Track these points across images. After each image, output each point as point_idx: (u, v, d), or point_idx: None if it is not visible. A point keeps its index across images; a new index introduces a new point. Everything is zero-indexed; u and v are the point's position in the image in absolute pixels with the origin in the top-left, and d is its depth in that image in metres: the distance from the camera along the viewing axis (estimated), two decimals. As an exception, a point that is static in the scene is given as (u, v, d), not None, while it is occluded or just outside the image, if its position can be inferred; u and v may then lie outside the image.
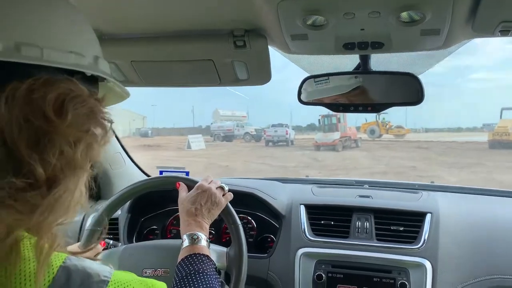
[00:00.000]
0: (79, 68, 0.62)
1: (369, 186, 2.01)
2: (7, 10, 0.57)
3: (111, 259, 1.40)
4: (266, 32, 1.15)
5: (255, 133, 30.19)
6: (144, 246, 1.44)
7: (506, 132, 20.97)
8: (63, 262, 0.56)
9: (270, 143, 26.87)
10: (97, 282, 0.57)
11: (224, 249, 1.37)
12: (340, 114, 22.06)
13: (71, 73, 0.61)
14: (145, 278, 0.65)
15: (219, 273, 1.34)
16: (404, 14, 0.95)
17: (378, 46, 1.14)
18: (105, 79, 0.68)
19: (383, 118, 29.87)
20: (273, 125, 29.02)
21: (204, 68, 1.31)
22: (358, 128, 29.85)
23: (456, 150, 21.57)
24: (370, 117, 31.36)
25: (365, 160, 17.83)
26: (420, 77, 1.26)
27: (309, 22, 1.00)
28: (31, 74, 0.57)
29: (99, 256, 1.37)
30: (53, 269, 0.55)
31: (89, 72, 0.64)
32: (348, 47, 1.16)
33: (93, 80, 0.67)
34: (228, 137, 30.16)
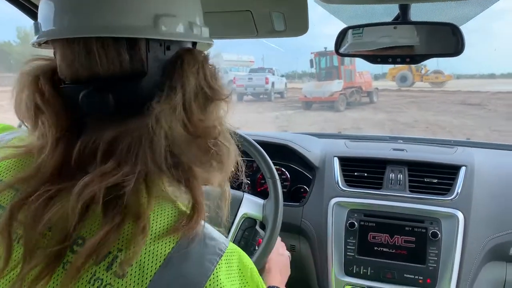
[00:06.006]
0: (204, 40, 0.69)
1: (403, 141, 2.01)
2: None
3: None
4: (305, -19, 1.15)
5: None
6: None
7: None
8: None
9: (247, 96, 19.04)
10: (211, 255, 0.56)
11: (261, 201, 1.41)
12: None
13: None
14: (257, 274, 0.61)
15: (255, 223, 1.40)
16: (447, -41, 0.93)
17: (419, -6, 1.12)
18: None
19: (418, 62, 23.88)
20: (251, 70, 21.40)
21: (242, 19, 1.32)
22: (380, 76, 22.68)
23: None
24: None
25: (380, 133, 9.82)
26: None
27: (349, -31, 0.99)
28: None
29: None
30: None
31: (206, 42, 0.71)
32: (388, -5, 1.14)
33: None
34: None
